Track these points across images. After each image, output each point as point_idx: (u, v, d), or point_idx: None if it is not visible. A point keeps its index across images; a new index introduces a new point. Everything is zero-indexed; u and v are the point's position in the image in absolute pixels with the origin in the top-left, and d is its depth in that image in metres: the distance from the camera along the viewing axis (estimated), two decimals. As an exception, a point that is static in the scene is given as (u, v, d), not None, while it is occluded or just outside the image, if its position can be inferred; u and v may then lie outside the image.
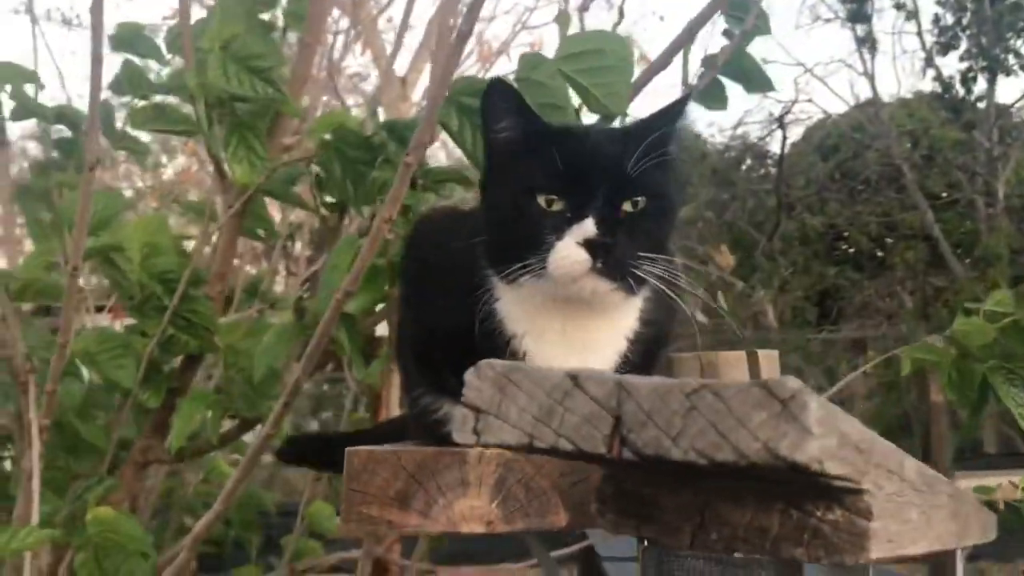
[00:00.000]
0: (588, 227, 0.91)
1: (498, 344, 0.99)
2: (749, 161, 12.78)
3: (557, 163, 0.95)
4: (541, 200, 0.95)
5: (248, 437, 2.16)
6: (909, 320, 10.79)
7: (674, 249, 1.01)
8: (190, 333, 1.71)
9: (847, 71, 12.70)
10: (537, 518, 0.89)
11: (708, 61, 1.69)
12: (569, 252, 0.91)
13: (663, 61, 1.63)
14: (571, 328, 0.98)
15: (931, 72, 11.51)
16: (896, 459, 0.57)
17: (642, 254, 0.93)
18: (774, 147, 11.89)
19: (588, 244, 0.91)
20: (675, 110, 1.01)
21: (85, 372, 1.88)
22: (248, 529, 2.60)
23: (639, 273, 0.93)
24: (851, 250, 12.36)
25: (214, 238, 1.90)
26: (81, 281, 1.64)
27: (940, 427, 3.88)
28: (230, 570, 2.96)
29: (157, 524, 2.55)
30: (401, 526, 0.87)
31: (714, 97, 1.71)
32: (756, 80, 1.75)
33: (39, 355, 1.69)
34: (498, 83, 1.02)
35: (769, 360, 1.04)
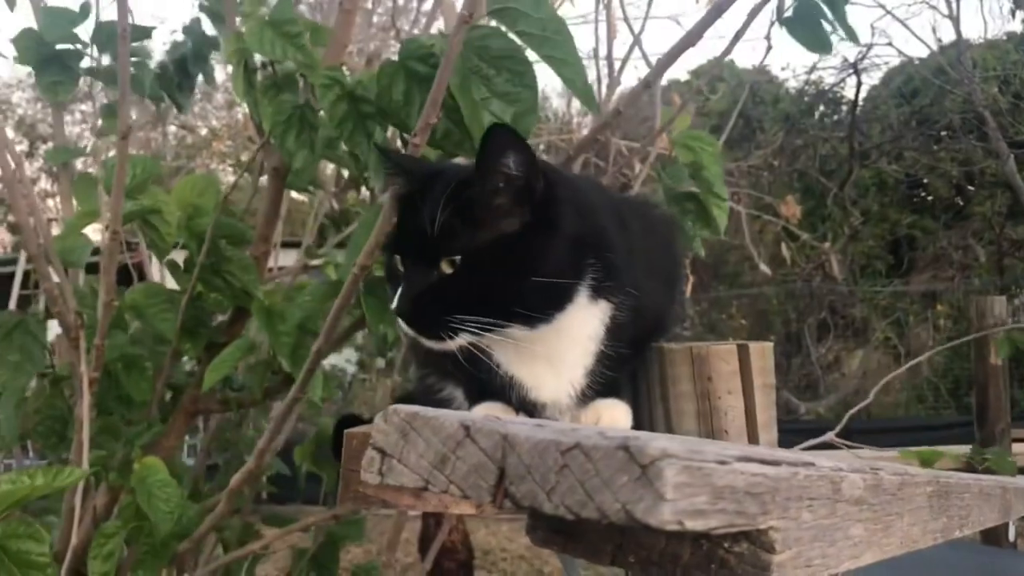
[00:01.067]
0: (397, 295, 0.99)
1: (478, 355, 1.01)
2: (823, 107, 12.42)
3: (399, 225, 1.03)
4: (395, 259, 1.03)
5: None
6: (983, 273, 10.47)
7: (505, 305, 0.97)
8: (225, 293, 1.78)
9: (928, 13, 12.17)
10: (527, 502, 0.92)
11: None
12: (395, 317, 1.00)
13: (693, 36, 1.58)
14: (523, 344, 0.99)
15: (1020, 14, 10.97)
16: (827, 487, 0.58)
17: (455, 317, 0.96)
18: (849, 93, 11.52)
19: (396, 310, 0.99)
20: (486, 147, 0.95)
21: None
22: (324, 467, 2.65)
23: (453, 335, 0.96)
24: (929, 198, 12.02)
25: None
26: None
27: (997, 388, 3.80)
28: (302, 502, 3.06)
29: (224, 463, 2.65)
30: (395, 506, 0.91)
31: (814, 37, 1.58)
32: (843, 26, 1.60)
33: (88, 312, 1.77)
34: (380, 149, 1.13)
35: (761, 353, 1.04)
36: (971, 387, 4.76)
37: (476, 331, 0.95)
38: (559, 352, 1.01)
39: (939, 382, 9.58)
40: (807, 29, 1.58)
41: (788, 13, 1.59)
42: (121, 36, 1.34)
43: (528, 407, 1.04)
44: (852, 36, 1.65)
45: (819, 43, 1.62)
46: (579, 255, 0.98)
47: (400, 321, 0.99)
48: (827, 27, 1.59)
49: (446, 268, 0.96)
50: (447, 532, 4.54)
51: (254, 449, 2.44)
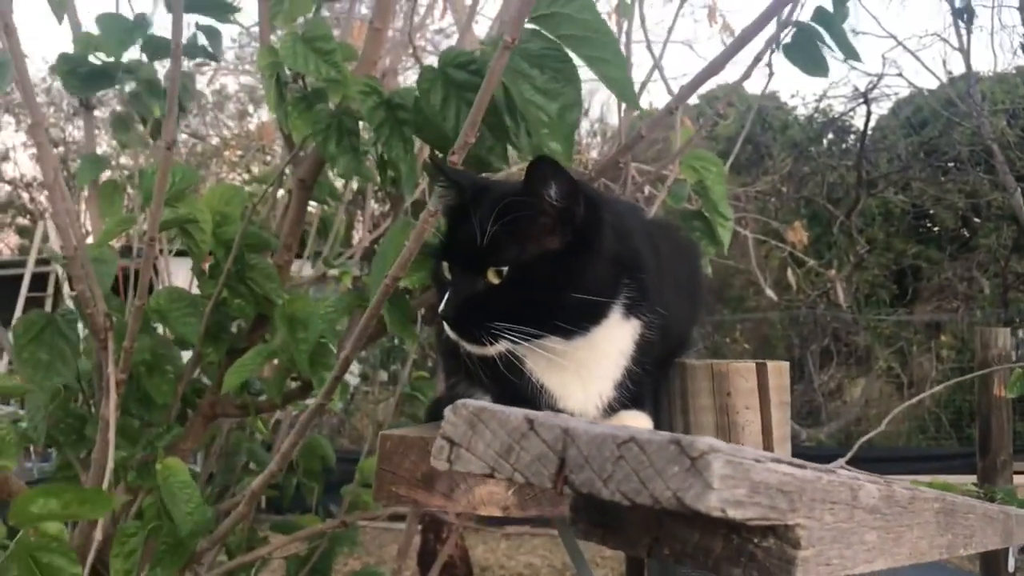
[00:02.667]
0: (444, 300, 1.05)
1: (509, 361, 1.06)
2: (831, 135, 12.49)
3: (449, 234, 1.09)
4: (443, 266, 1.09)
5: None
6: (987, 306, 10.50)
7: (546, 316, 1.03)
8: (247, 299, 1.83)
9: (939, 46, 12.25)
10: (550, 507, 0.97)
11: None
12: (441, 321, 1.06)
13: (716, 65, 1.62)
14: (556, 356, 1.04)
15: (1030, 49, 11.06)
16: (846, 492, 0.63)
17: (498, 324, 1.01)
18: (858, 122, 11.59)
19: (442, 314, 1.05)
20: (532, 173, 1.01)
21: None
22: (311, 478, 2.72)
23: (495, 341, 1.02)
24: (935, 229, 12.06)
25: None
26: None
27: (1000, 419, 3.84)
28: (292, 511, 3.12)
29: (223, 467, 2.69)
30: (426, 505, 0.96)
31: (811, 61, 1.65)
32: (842, 48, 1.67)
33: (117, 314, 1.81)
34: (433, 159, 1.18)
35: (778, 372, 1.09)
36: (973, 418, 4.80)
37: (515, 339, 1.00)
38: (589, 365, 1.06)
39: (941, 412, 9.59)
40: (805, 53, 1.63)
41: (787, 39, 1.65)
42: (174, 51, 1.39)
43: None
44: (853, 55, 1.70)
45: (816, 66, 1.67)
46: (615, 274, 1.04)
47: (445, 324, 1.04)
48: (827, 50, 1.65)
49: (492, 278, 1.02)
50: (445, 546, 4.57)
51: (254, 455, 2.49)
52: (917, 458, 8.13)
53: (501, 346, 1.02)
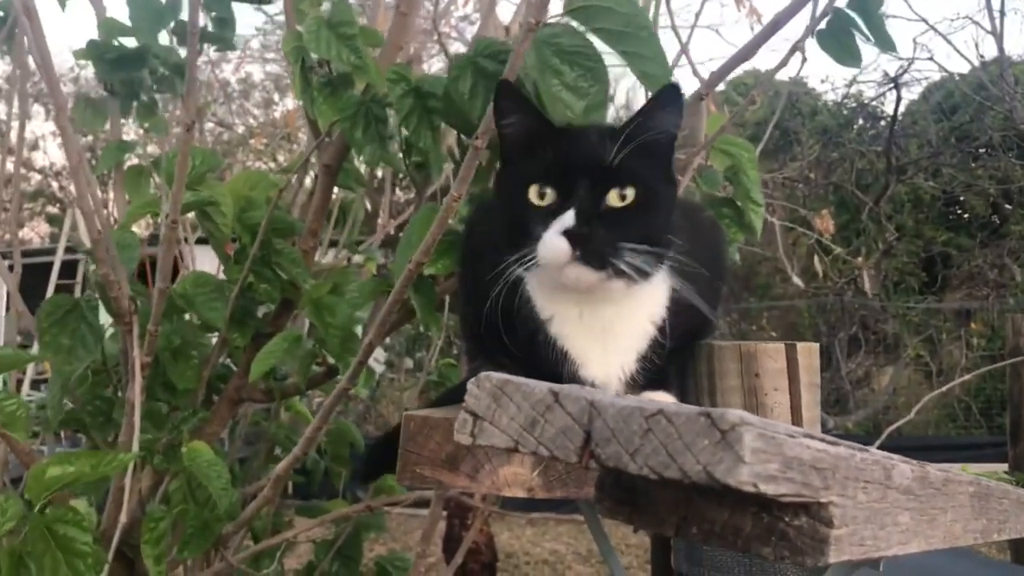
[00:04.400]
0: (568, 218, 0.97)
1: (534, 328, 1.05)
2: (861, 121, 12.34)
3: (549, 158, 1.02)
4: (533, 193, 1.01)
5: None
6: (1018, 293, 10.35)
7: (670, 240, 1.03)
8: (273, 284, 1.83)
9: (971, 29, 12.04)
10: (575, 488, 0.96)
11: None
12: (552, 242, 0.97)
13: (748, 51, 1.59)
14: (587, 313, 1.04)
15: (1065, 32, 10.84)
16: (880, 471, 0.61)
17: (627, 245, 0.98)
18: (888, 107, 11.44)
19: (568, 234, 0.97)
20: (661, 99, 1.03)
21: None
22: (338, 463, 2.72)
23: (620, 264, 0.97)
24: (965, 216, 11.90)
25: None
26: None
27: (1032, 407, 3.79)
28: (320, 497, 3.14)
29: (252, 452, 2.71)
30: (450, 486, 0.95)
31: (844, 50, 1.62)
32: (878, 37, 1.64)
33: (141, 298, 1.82)
34: (505, 84, 1.08)
35: (808, 352, 1.07)
36: (1004, 406, 4.73)
37: (637, 264, 0.98)
38: (616, 330, 1.05)
39: (971, 401, 9.48)
40: (838, 42, 1.60)
41: (822, 25, 1.61)
42: (191, 33, 1.39)
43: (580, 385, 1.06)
44: (889, 46, 1.67)
45: (849, 56, 1.64)
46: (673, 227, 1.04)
47: (557, 252, 0.98)
48: (862, 38, 1.61)
49: (615, 201, 0.99)
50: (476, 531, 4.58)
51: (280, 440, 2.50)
52: (947, 447, 8.05)
53: (619, 275, 0.98)
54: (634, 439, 0.53)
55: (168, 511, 1.77)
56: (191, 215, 2.03)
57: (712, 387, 1.09)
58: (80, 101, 2.24)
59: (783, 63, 1.56)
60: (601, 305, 1.03)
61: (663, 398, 1.06)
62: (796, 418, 1.04)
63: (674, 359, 1.08)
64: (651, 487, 0.54)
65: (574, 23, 1.33)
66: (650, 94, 1.81)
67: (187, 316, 2.02)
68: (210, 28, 2.24)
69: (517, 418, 0.58)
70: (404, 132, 1.83)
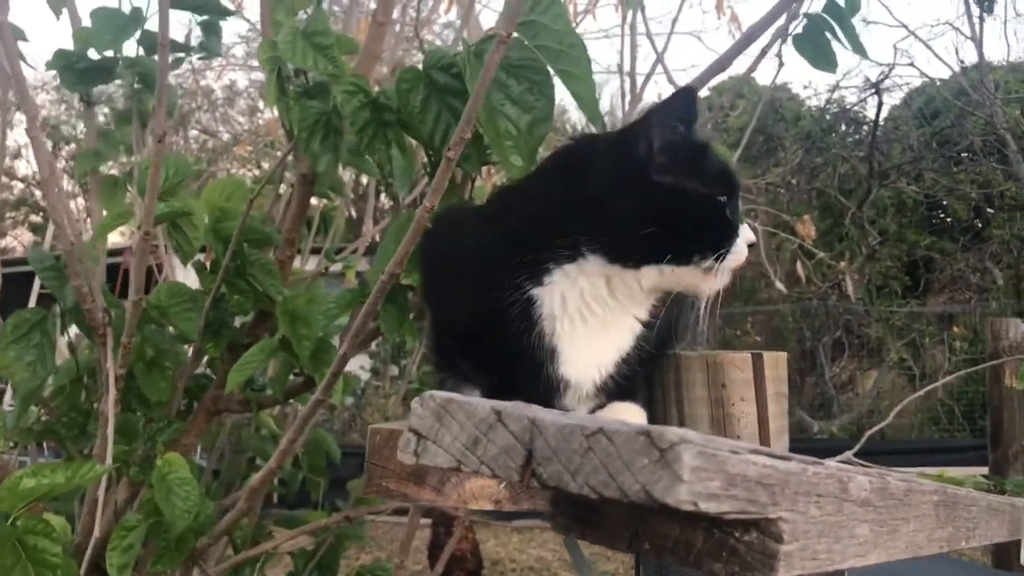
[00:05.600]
0: (748, 231, 1.08)
1: (527, 326, 1.05)
2: (843, 126, 12.41)
3: (723, 171, 1.08)
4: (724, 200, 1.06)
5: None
6: (1000, 296, 10.43)
7: None
8: (247, 295, 1.82)
9: (951, 35, 12.15)
10: (543, 500, 0.95)
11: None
12: (742, 249, 1.06)
13: (724, 62, 1.60)
14: (597, 310, 1.06)
15: (1043, 38, 10.95)
16: (835, 485, 0.61)
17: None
18: (871, 112, 11.51)
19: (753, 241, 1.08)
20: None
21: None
22: (316, 473, 2.71)
23: None
24: (948, 220, 11.98)
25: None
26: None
27: (1012, 410, 3.80)
28: (299, 508, 3.12)
29: (229, 464, 2.69)
30: (416, 500, 0.94)
31: (820, 54, 1.64)
32: (851, 42, 1.65)
33: (116, 310, 1.81)
34: (692, 92, 1.10)
35: (774, 362, 1.07)
36: (986, 410, 4.77)
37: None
38: (610, 325, 1.07)
39: (953, 404, 9.54)
40: (814, 46, 1.61)
41: (798, 30, 1.63)
42: (161, 45, 1.38)
43: (552, 387, 1.07)
44: (861, 51, 1.68)
45: (825, 60, 1.65)
46: None
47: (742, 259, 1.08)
48: (837, 44, 1.63)
49: None
50: (456, 540, 4.57)
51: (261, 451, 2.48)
52: (930, 450, 8.08)
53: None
54: (575, 458, 0.53)
55: (142, 520, 1.75)
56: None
57: (679, 398, 1.09)
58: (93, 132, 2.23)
59: (752, 68, 1.57)
60: (607, 304, 1.06)
61: (631, 411, 1.07)
62: (763, 428, 1.04)
63: (644, 367, 1.09)
64: (603, 503, 0.54)
65: (521, 37, 1.32)
66: (628, 99, 1.83)
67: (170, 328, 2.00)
68: (194, 36, 2.24)
69: (460, 437, 0.58)
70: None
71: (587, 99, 1.32)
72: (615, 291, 1.06)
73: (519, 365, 1.06)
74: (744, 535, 0.54)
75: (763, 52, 1.55)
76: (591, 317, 1.06)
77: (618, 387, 1.08)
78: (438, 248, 1.23)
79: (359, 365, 10.35)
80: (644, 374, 1.10)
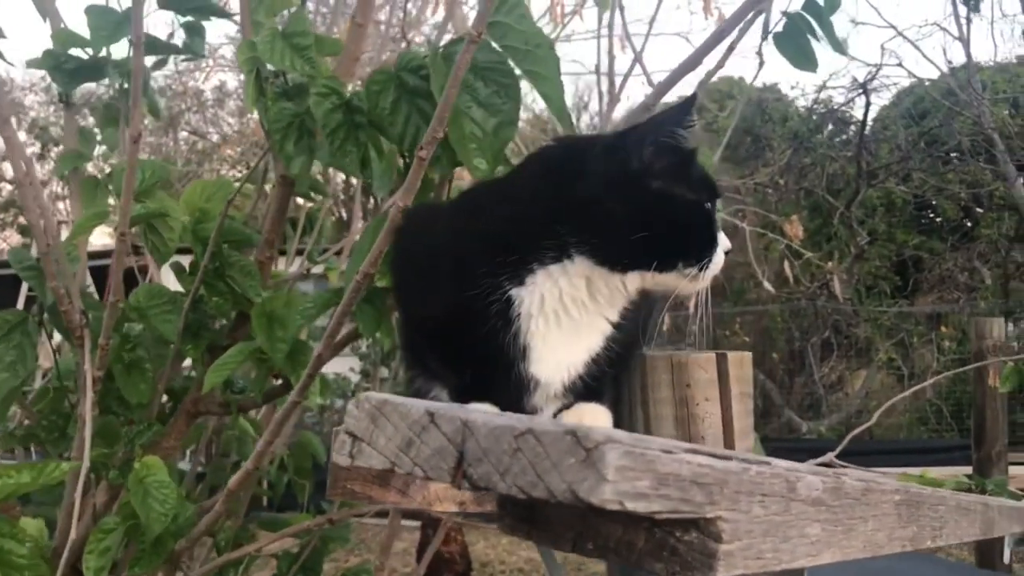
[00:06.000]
0: (725, 239, 1.08)
1: (504, 324, 1.06)
2: (831, 126, 12.45)
3: (705, 177, 1.08)
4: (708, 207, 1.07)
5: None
6: (988, 296, 10.47)
7: None
8: (225, 297, 1.82)
9: (939, 35, 12.21)
10: (507, 501, 0.96)
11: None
12: (720, 257, 1.07)
13: (694, 60, 1.60)
14: (573, 311, 1.06)
15: (1031, 38, 11.00)
16: (781, 484, 0.61)
17: None
18: (859, 113, 11.55)
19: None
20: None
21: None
22: (301, 475, 2.71)
23: None
24: (937, 220, 12.03)
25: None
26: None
27: (995, 409, 3.82)
28: (287, 510, 3.11)
29: (211, 468, 2.69)
30: (381, 502, 0.95)
31: (800, 53, 1.64)
32: (830, 41, 1.66)
33: (93, 312, 1.81)
34: (694, 101, 1.09)
35: (739, 362, 1.07)
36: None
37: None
38: (582, 327, 1.08)
39: (942, 404, 9.58)
40: (794, 45, 1.61)
41: (778, 29, 1.63)
42: (135, 44, 1.38)
43: (522, 386, 1.08)
44: (840, 49, 1.69)
45: (805, 60, 1.66)
46: None
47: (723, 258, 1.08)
48: (816, 43, 1.63)
49: None
50: (444, 542, 4.57)
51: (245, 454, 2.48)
52: (918, 450, 8.11)
53: None
54: (504, 458, 0.53)
55: (120, 523, 1.75)
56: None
57: (645, 398, 1.10)
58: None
59: (719, 65, 1.58)
60: (584, 306, 1.06)
61: (597, 413, 1.07)
62: (727, 428, 1.05)
63: (611, 369, 1.09)
64: (548, 505, 0.54)
65: (488, 39, 1.31)
66: (606, 99, 1.83)
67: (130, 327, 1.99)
68: (179, 37, 2.23)
69: (394, 439, 0.58)
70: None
71: (555, 99, 1.32)
72: (594, 293, 1.06)
73: (490, 364, 1.06)
74: (684, 535, 0.55)
75: (730, 48, 1.56)
76: (565, 318, 1.06)
77: (586, 387, 1.08)
78: (409, 246, 1.22)
79: (349, 367, 10.34)
80: (612, 375, 1.11)
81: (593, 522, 0.57)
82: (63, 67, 2.07)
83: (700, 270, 1.04)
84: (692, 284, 1.05)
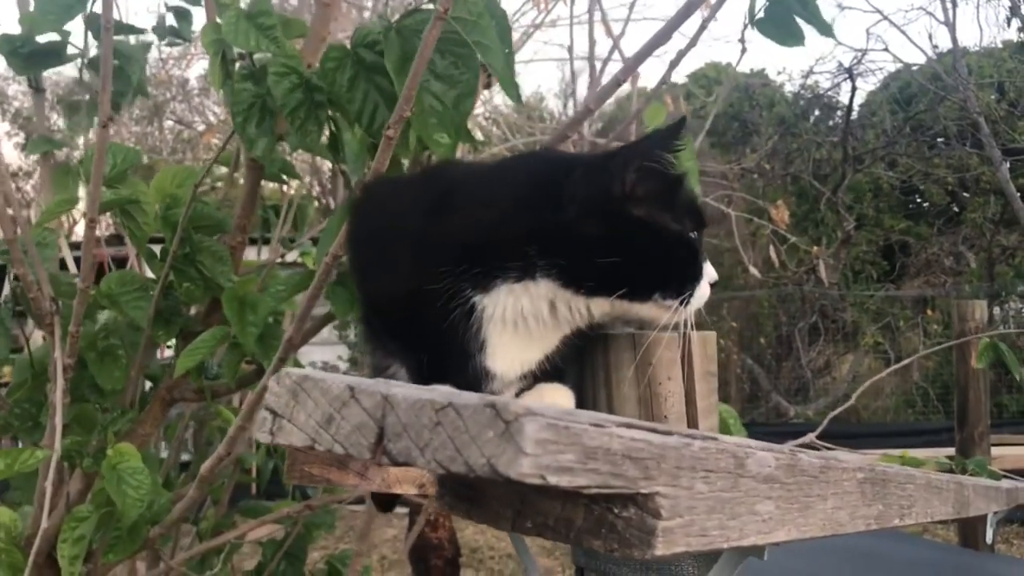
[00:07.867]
0: (711, 269, 1.06)
1: (466, 325, 1.04)
2: (818, 112, 12.45)
3: (693, 205, 1.06)
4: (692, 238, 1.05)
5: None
6: (974, 280, 10.51)
7: None
8: (196, 283, 1.80)
9: (925, 20, 12.20)
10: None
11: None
12: (705, 291, 1.05)
13: (662, 36, 1.58)
14: (532, 324, 1.04)
15: (1016, 23, 11.02)
16: (728, 460, 0.60)
17: None
18: (845, 98, 11.56)
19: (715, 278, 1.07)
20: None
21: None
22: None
23: None
24: (924, 204, 12.06)
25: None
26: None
27: (978, 391, 3.84)
28: (273, 498, 3.10)
29: (196, 457, 2.67)
30: (340, 485, 0.93)
31: (785, 31, 1.58)
32: (815, 23, 1.58)
33: (64, 298, 1.79)
34: (682, 124, 1.05)
35: (703, 341, 1.06)
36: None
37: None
38: (547, 323, 1.05)
39: (928, 387, 9.62)
40: (778, 24, 1.59)
41: (760, 14, 1.62)
42: (105, 28, 1.36)
43: (479, 375, 1.06)
44: (826, 31, 1.67)
45: (791, 35, 1.63)
46: None
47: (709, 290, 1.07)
48: (806, 27, 1.61)
49: None
50: (432, 528, 4.56)
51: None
52: (905, 433, 8.15)
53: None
54: (424, 433, 0.52)
55: (93, 511, 1.74)
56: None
57: (608, 378, 1.09)
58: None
59: (691, 44, 1.56)
60: (541, 321, 1.04)
61: (559, 392, 1.06)
62: (691, 407, 1.04)
63: (572, 352, 1.08)
64: (486, 483, 0.53)
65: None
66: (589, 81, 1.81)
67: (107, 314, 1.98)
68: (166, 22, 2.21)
69: (314, 415, 0.57)
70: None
71: (500, 70, 1.30)
72: (556, 313, 1.03)
73: (447, 352, 1.05)
74: (623, 511, 0.54)
75: (702, 27, 1.55)
76: (524, 329, 1.04)
77: (546, 370, 1.07)
78: (368, 223, 1.19)
79: (337, 355, 10.32)
80: (574, 352, 1.09)
81: (531, 499, 0.56)
82: (18, 52, 2.02)
83: (681, 303, 1.01)
84: (668, 314, 1.02)
